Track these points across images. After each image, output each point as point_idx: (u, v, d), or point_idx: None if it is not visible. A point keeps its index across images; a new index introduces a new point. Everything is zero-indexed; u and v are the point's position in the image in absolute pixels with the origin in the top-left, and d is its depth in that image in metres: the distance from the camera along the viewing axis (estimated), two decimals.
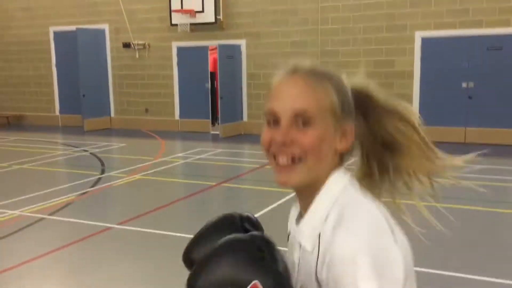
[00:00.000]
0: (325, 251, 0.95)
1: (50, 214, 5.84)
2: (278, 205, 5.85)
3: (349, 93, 1.07)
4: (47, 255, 4.61)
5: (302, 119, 0.99)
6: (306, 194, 1.05)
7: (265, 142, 1.04)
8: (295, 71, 1.03)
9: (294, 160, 1.00)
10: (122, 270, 4.29)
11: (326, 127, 1.01)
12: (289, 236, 1.17)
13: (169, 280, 4.05)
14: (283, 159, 1.00)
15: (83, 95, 12.91)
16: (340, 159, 1.07)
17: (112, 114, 13.75)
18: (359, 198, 1.01)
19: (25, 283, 4.07)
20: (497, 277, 3.97)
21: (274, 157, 1.02)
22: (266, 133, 1.04)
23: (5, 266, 4.34)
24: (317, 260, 0.97)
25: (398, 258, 0.92)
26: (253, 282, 0.91)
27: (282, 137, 0.99)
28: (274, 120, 1.02)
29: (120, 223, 5.45)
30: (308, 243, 1.02)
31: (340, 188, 1.03)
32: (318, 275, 0.96)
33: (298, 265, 1.06)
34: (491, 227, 5.39)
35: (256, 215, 4.65)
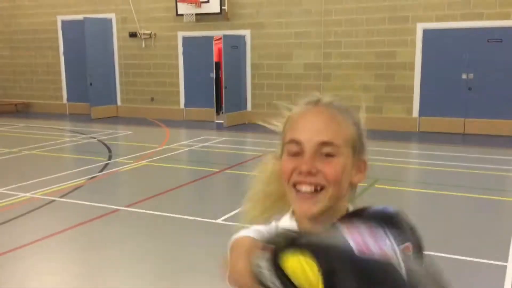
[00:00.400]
0: None
1: (61, 197, 6.11)
2: None
3: (364, 131, 1.10)
4: (59, 234, 4.87)
5: (326, 150, 1.01)
6: (321, 221, 1.04)
7: (287, 171, 1.03)
8: (317, 103, 1.06)
9: (316, 190, 1.01)
10: (130, 248, 4.54)
11: (347, 159, 1.03)
12: None
13: (174, 257, 4.31)
14: (306, 188, 1.01)
15: (90, 84, 13.16)
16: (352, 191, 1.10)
17: (119, 103, 14.00)
18: None
19: (39, 259, 4.33)
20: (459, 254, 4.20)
21: (294, 186, 1.03)
22: (287, 163, 1.04)
23: (19, 244, 4.60)
24: None
25: None
26: (407, 243, 0.91)
27: (308, 166, 1.00)
28: (296, 150, 1.02)
29: (128, 206, 5.71)
30: None
31: None
32: None
33: None
34: (495, 214, 5.62)
35: None
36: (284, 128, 1.07)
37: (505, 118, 10.19)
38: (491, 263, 4.14)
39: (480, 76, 10.25)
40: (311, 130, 1.01)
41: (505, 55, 10.03)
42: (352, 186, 1.08)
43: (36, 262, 4.26)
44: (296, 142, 1.02)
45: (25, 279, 3.97)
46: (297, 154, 1.02)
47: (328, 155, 1.00)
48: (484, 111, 10.28)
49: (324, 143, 1.00)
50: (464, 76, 10.36)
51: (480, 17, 10.13)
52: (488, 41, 10.13)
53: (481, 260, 4.17)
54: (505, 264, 4.10)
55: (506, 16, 9.95)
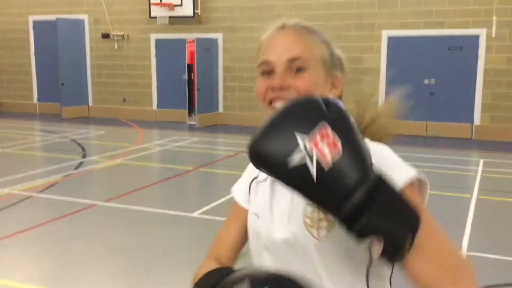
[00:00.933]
0: None
1: (38, 193, 6.25)
2: None
3: (335, 48, 1.14)
4: (39, 227, 5.03)
5: (296, 66, 1.05)
6: None
7: (260, 90, 1.08)
8: (284, 26, 1.10)
9: None
10: (108, 241, 4.76)
11: (318, 74, 1.07)
12: (258, 180, 1.18)
13: (150, 247, 4.55)
14: (280, 103, 1.03)
15: (62, 84, 13.19)
16: None
17: (90, 103, 14.06)
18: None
19: (20, 251, 4.50)
20: None
21: (270, 103, 1.07)
22: (260, 83, 1.08)
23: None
24: None
25: None
26: (322, 123, 0.81)
27: (279, 82, 1.04)
28: (268, 70, 1.07)
29: (106, 201, 5.90)
30: None
31: None
32: None
33: (289, 210, 1.07)
34: (452, 208, 6.04)
35: (227, 197, 5.45)
36: (257, 54, 1.12)
37: (464, 122, 10.76)
38: None
39: (441, 81, 10.80)
40: (279, 49, 1.07)
41: (465, 62, 10.60)
42: None
43: (20, 253, 4.44)
44: (267, 63, 1.07)
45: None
46: (269, 74, 1.07)
47: (298, 70, 1.05)
48: (445, 115, 10.83)
49: (293, 59, 1.05)
50: (426, 82, 10.89)
51: (441, 25, 10.67)
52: (449, 49, 10.68)
53: None
54: None
55: (465, 25, 10.52)
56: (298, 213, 1.04)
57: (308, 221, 1.02)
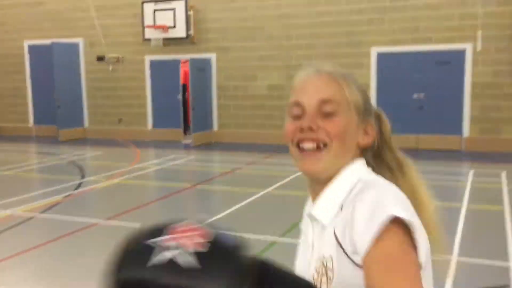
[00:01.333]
0: (347, 217, 0.94)
1: (40, 213, 6.39)
2: (247, 203, 6.58)
3: (369, 96, 1.12)
4: (42, 246, 5.17)
5: (327, 109, 1.01)
6: (326, 182, 1.04)
7: (289, 132, 1.04)
8: (318, 70, 1.06)
9: (319, 146, 1.01)
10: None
11: (350, 119, 1.03)
12: (303, 221, 1.17)
13: None
14: (308, 145, 1.01)
15: (58, 107, 13.37)
16: (361, 154, 1.09)
17: (86, 125, 14.23)
18: (382, 180, 1.02)
19: (24, 270, 4.64)
20: None
21: (298, 145, 1.03)
22: (289, 125, 1.05)
23: (4, 255, 4.90)
24: (334, 231, 0.96)
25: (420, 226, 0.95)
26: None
27: (309, 122, 1.01)
28: (298, 114, 1.04)
29: (107, 219, 6.05)
30: (324, 216, 1.01)
31: (364, 171, 1.05)
32: (343, 245, 0.94)
33: (313, 246, 1.06)
34: (444, 219, 6.23)
35: (225, 213, 5.71)
36: (290, 97, 1.09)
37: (454, 134, 11.01)
38: (439, 258, 4.70)
39: (430, 95, 11.07)
40: (311, 91, 1.03)
41: (453, 76, 10.89)
42: (361, 148, 1.09)
43: (19, 274, 4.57)
44: (298, 104, 1.04)
45: None
46: (299, 117, 1.04)
47: (330, 113, 1.02)
48: (435, 128, 11.08)
49: (324, 101, 1.02)
50: (415, 96, 11.17)
51: (429, 41, 10.98)
52: (436, 63, 10.98)
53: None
54: (450, 257, 4.68)
55: (452, 40, 10.83)
56: (312, 266, 1.04)
57: (315, 275, 1.00)
